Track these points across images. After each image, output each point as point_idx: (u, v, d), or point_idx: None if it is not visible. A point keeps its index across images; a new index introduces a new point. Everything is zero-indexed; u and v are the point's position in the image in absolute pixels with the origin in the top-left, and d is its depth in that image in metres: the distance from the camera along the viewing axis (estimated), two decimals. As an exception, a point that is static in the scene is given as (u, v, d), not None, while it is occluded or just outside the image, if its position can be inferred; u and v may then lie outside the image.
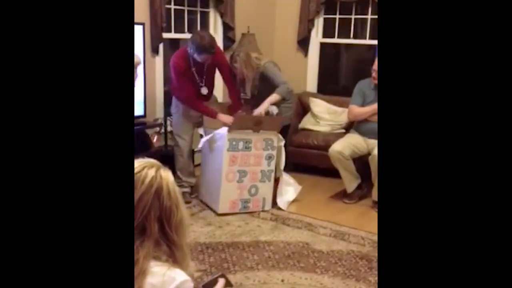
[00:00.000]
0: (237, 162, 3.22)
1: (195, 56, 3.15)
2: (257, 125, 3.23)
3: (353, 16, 4.65)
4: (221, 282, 1.34)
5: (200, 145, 3.41)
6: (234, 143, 3.19)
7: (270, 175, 3.36)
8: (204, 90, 3.36)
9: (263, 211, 3.36)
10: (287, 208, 3.44)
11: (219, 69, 3.42)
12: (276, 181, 3.48)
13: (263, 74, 3.48)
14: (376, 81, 3.46)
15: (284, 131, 3.63)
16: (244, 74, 3.47)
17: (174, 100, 3.44)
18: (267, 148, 3.30)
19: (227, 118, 3.27)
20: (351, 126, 3.94)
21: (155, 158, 3.73)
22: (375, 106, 3.47)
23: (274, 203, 3.45)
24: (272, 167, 3.35)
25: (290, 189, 3.54)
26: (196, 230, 3.02)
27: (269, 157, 3.32)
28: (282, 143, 3.43)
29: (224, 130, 3.19)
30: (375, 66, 3.49)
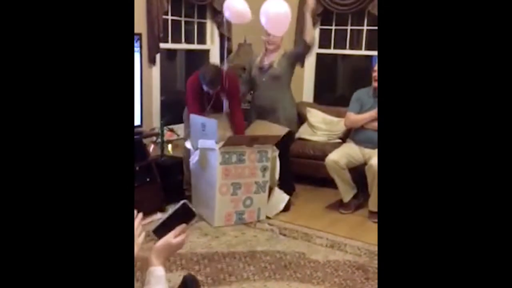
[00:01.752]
0: (230, 175, 3.20)
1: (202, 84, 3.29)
2: (252, 141, 3.22)
3: (349, 27, 4.69)
4: (177, 229, 1.16)
5: (191, 166, 3.41)
6: (227, 156, 3.17)
7: (265, 186, 3.34)
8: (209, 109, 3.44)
9: (258, 221, 3.35)
10: (272, 216, 3.44)
11: (228, 98, 3.45)
12: (269, 190, 3.46)
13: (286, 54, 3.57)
14: (377, 84, 3.46)
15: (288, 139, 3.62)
16: (278, 46, 3.53)
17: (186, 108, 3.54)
18: (261, 160, 3.28)
19: None
20: (347, 135, 3.95)
21: (151, 167, 3.69)
22: (372, 113, 3.49)
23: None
24: (267, 178, 3.34)
25: (279, 199, 3.53)
26: (192, 240, 3.00)
27: (264, 169, 3.30)
28: (276, 153, 3.42)
29: (213, 145, 3.17)
30: (377, 67, 3.51)
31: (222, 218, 3.25)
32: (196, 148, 3.32)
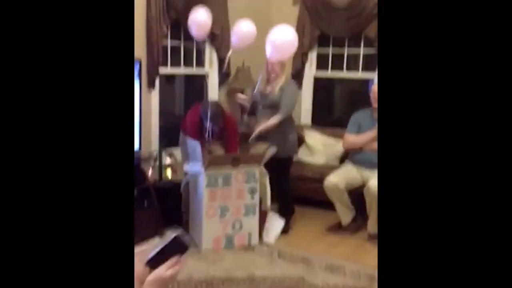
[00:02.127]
0: (217, 198, 3.18)
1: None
2: (236, 161, 3.20)
3: (346, 50, 4.75)
4: (170, 262, 1.11)
5: (181, 188, 3.43)
6: (212, 178, 3.15)
7: (255, 208, 3.28)
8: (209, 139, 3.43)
9: (250, 245, 3.31)
10: (274, 242, 3.40)
11: (226, 139, 3.46)
12: (263, 214, 3.43)
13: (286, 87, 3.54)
14: (376, 104, 3.50)
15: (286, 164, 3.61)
16: (279, 73, 3.49)
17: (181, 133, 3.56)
18: (249, 181, 3.24)
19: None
20: (345, 157, 3.96)
21: (149, 192, 3.66)
22: (369, 134, 3.51)
23: (262, 237, 3.40)
24: (256, 200, 3.28)
25: (275, 224, 3.50)
26: (189, 265, 2.98)
27: (252, 191, 3.26)
28: (267, 178, 3.39)
29: (200, 167, 3.16)
30: (375, 87, 3.56)
31: (210, 241, 3.21)
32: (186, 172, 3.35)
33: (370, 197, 3.37)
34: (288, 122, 3.58)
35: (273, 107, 3.48)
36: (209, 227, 3.20)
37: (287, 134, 3.55)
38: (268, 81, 3.58)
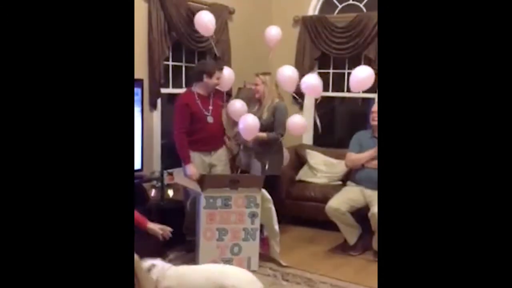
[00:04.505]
0: (215, 220, 3.14)
1: (197, 87, 3.36)
2: (234, 183, 3.16)
3: (346, 71, 4.78)
4: None
5: (188, 207, 3.41)
6: (211, 200, 3.12)
7: (255, 233, 3.22)
8: (210, 119, 3.44)
9: (249, 270, 3.23)
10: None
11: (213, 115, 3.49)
12: (265, 240, 3.38)
13: (275, 109, 3.59)
14: (375, 123, 3.51)
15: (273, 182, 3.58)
16: (262, 94, 3.60)
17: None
18: (249, 206, 3.19)
19: (192, 171, 3.31)
20: (348, 177, 3.94)
21: (151, 211, 3.64)
22: (372, 152, 3.51)
23: (267, 261, 3.33)
24: (257, 225, 3.23)
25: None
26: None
27: (253, 215, 3.20)
28: (271, 204, 3.33)
29: (198, 188, 3.14)
30: (375, 108, 3.56)
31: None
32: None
33: (375, 222, 3.32)
34: (275, 144, 3.62)
35: (265, 128, 3.55)
36: (206, 250, 3.15)
37: (272, 153, 3.58)
38: (255, 101, 3.68)
